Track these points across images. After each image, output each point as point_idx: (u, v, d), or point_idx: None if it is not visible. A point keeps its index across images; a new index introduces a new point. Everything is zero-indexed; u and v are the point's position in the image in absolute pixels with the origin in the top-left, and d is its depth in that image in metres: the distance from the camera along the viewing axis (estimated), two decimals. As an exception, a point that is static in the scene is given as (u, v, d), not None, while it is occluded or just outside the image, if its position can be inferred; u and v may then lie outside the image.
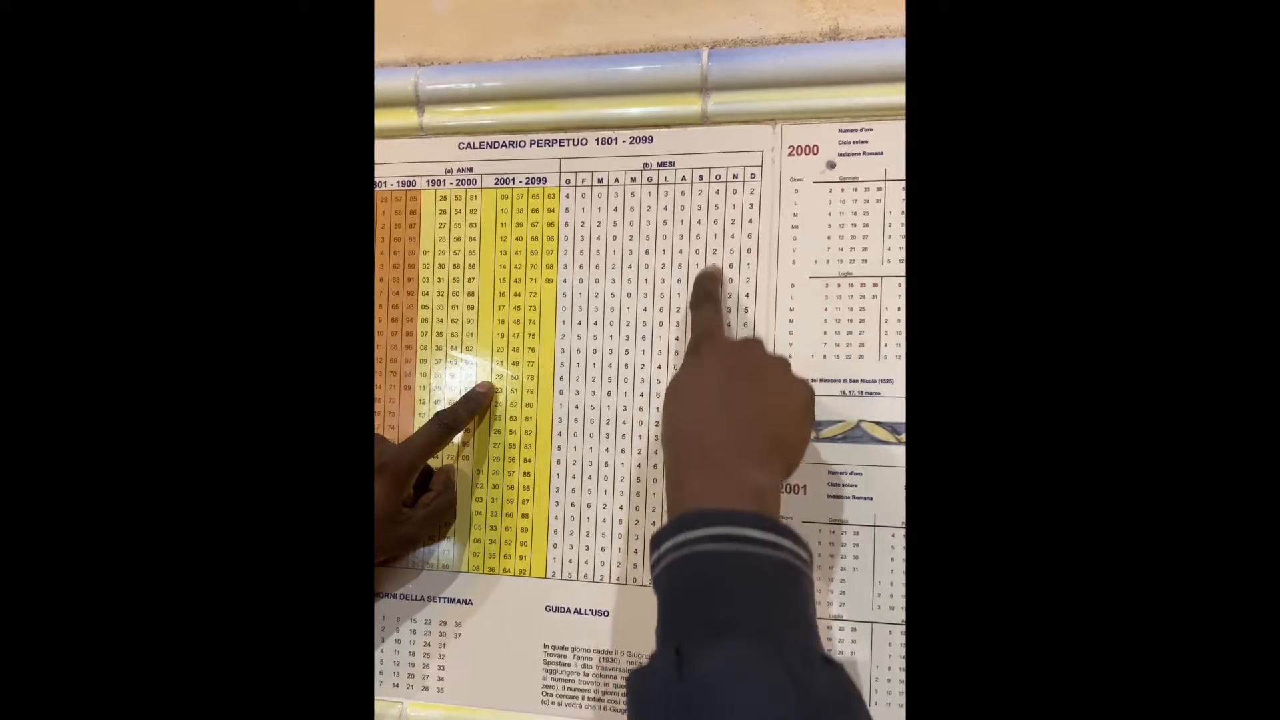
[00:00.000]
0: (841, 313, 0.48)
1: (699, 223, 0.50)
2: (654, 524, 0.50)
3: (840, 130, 0.48)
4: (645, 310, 0.50)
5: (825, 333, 0.48)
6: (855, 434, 0.47)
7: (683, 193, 0.50)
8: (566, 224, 0.51)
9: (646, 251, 0.50)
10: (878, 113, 0.47)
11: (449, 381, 0.53)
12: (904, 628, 0.46)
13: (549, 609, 0.51)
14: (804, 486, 0.48)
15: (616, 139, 0.51)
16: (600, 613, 0.50)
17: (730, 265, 0.49)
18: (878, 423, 0.47)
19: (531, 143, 0.52)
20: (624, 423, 0.50)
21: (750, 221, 0.49)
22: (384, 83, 0.52)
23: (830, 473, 0.48)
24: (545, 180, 0.52)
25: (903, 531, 0.47)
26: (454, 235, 0.53)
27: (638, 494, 0.50)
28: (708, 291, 0.47)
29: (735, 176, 0.49)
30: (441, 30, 0.53)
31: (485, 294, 0.52)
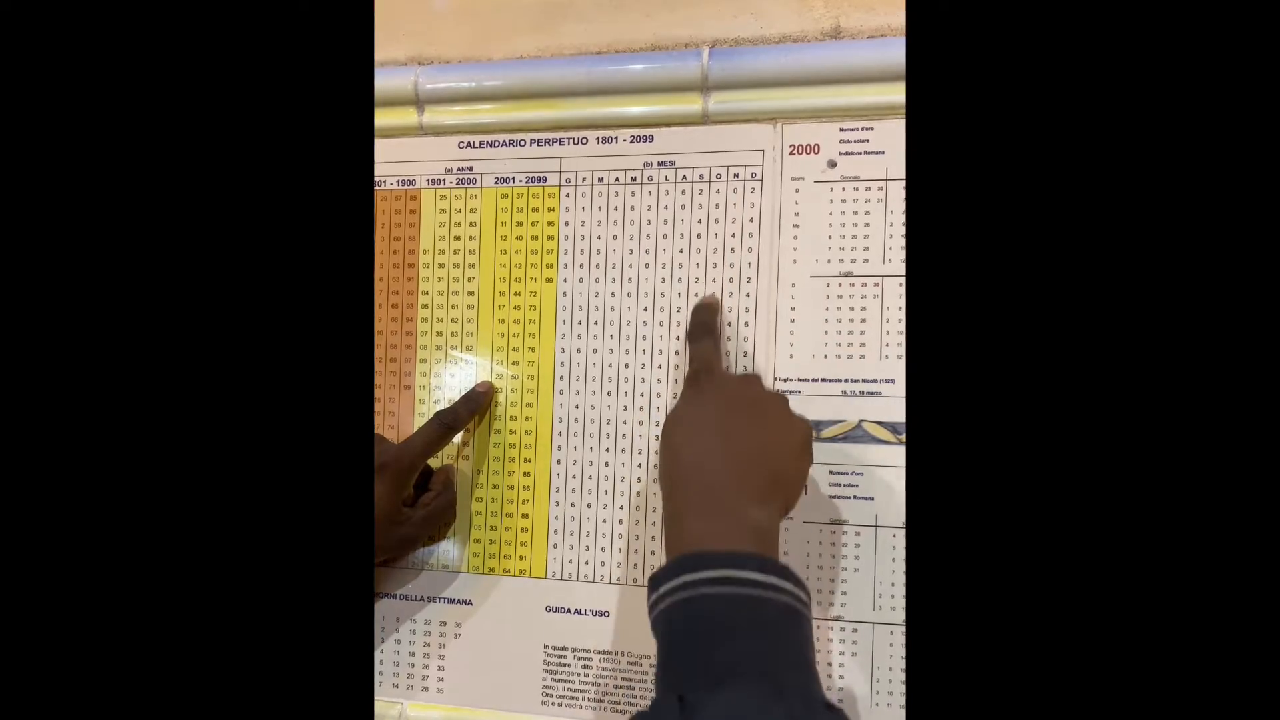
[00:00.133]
0: (843, 312, 0.48)
1: (699, 222, 0.50)
2: (654, 524, 0.49)
3: (841, 129, 0.48)
4: (646, 310, 0.50)
5: (826, 332, 0.48)
6: (856, 434, 0.47)
7: (683, 192, 0.50)
8: (567, 223, 0.51)
9: (647, 251, 0.50)
10: (879, 112, 0.47)
11: (449, 381, 0.53)
12: (905, 628, 0.46)
13: (549, 609, 0.51)
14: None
15: (617, 138, 0.51)
16: (600, 613, 0.50)
17: (731, 265, 0.49)
18: (879, 422, 0.47)
19: (532, 142, 0.52)
20: (624, 422, 0.50)
21: (751, 221, 0.49)
22: (384, 81, 0.52)
23: (831, 473, 0.47)
24: (545, 179, 0.52)
25: (904, 532, 0.47)
26: (454, 234, 0.53)
27: (638, 494, 0.50)
28: (705, 324, 0.46)
29: (736, 176, 0.49)
30: (441, 29, 0.53)
31: (485, 293, 0.52)
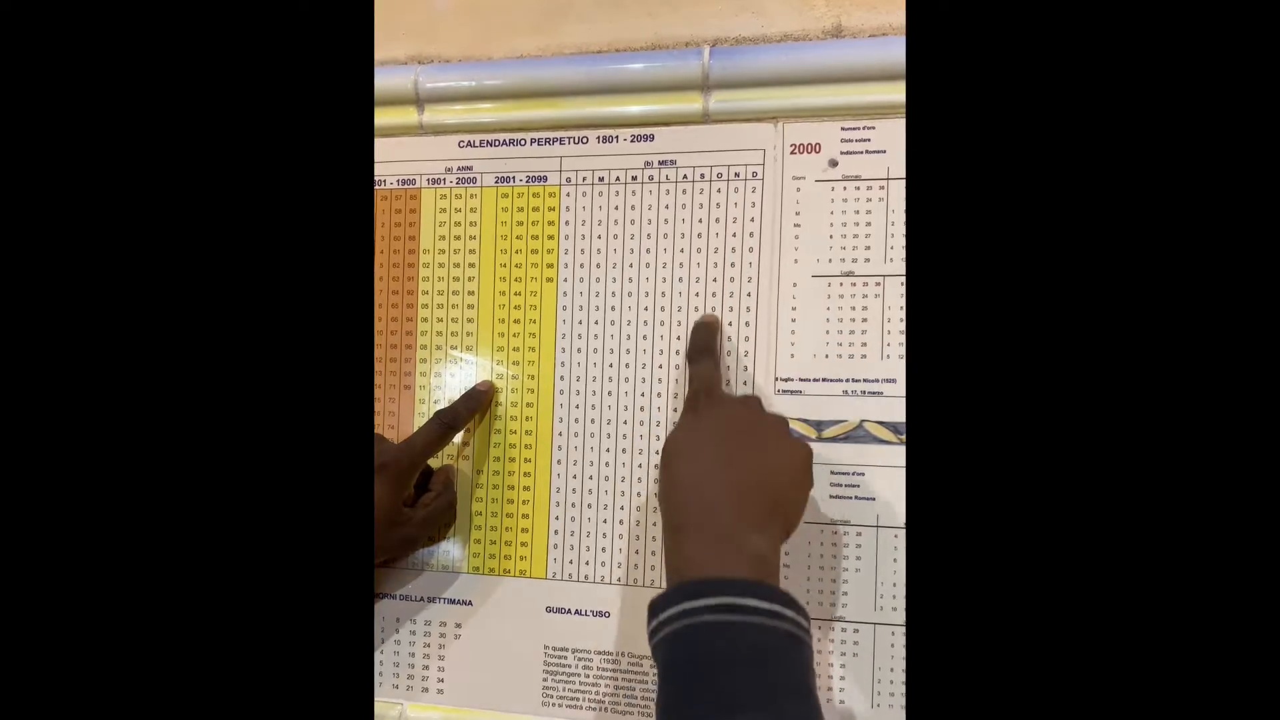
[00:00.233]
0: (844, 312, 0.48)
1: (700, 221, 0.49)
2: (654, 524, 0.49)
3: (842, 128, 0.48)
4: (646, 309, 0.50)
5: (827, 332, 0.48)
6: (858, 434, 0.47)
7: (684, 191, 0.50)
8: (567, 223, 0.51)
9: (648, 250, 0.50)
10: (880, 111, 0.47)
11: (449, 381, 0.53)
12: (905, 629, 0.46)
13: (549, 610, 0.51)
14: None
15: (617, 137, 0.51)
16: (601, 614, 0.50)
17: (732, 264, 0.49)
18: (880, 422, 0.47)
19: (532, 141, 0.52)
20: (625, 422, 0.50)
21: (752, 220, 0.49)
22: (384, 80, 0.52)
23: (832, 473, 0.47)
24: (546, 179, 0.52)
25: (905, 532, 0.46)
26: (454, 234, 0.53)
27: (639, 494, 0.50)
28: (705, 344, 0.46)
29: (737, 175, 0.49)
30: (442, 28, 0.53)
31: (485, 293, 0.52)
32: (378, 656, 0.53)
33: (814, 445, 0.47)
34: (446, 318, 0.53)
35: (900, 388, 0.47)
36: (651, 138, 0.50)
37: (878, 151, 0.47)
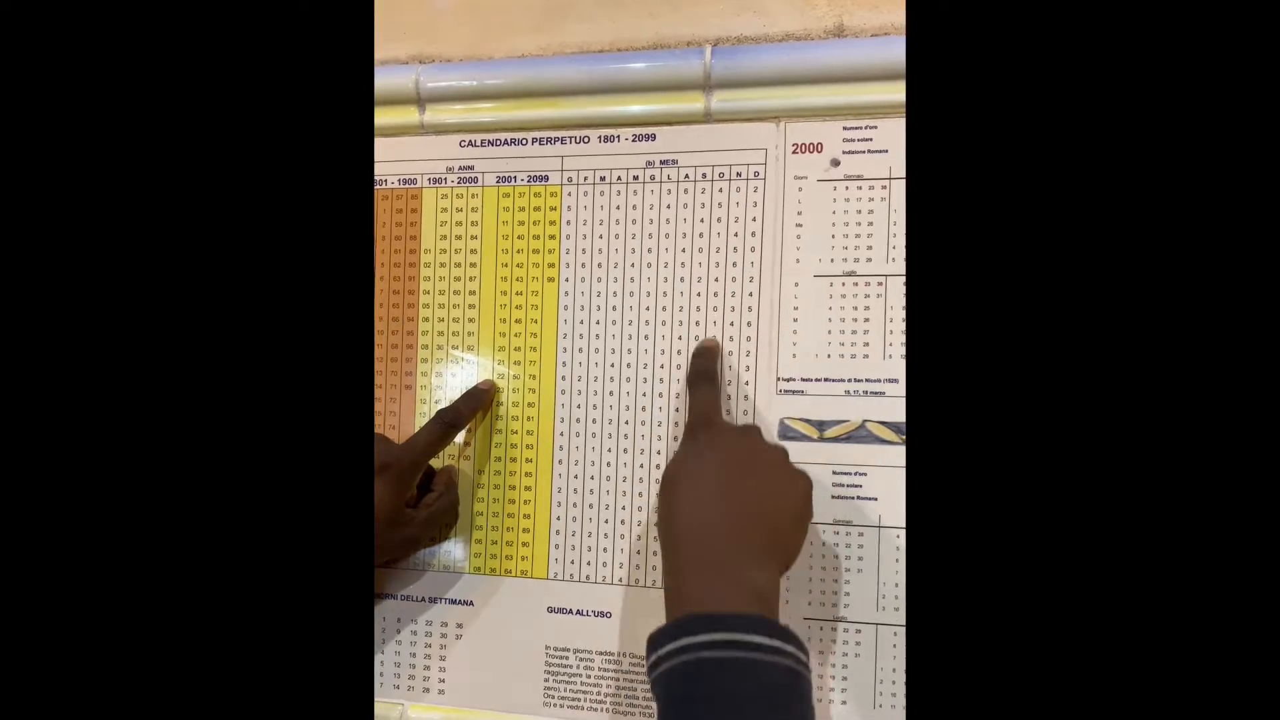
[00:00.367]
0: (846, 312, 0.47)
1: (702, 221, 0.49)
2: (656, 525, 0.49)
3: (844, 128, 0.48)
4: (648, 309, 0.50)
5: (829, 332, 0.48)
6: (860, 434, 0.47)
7: (685, 191, 0.50)
8: (569, 222, 0.51)
9: (649, 250, 0.50)
10: (882, 110, 0.47)
11: (450, 381, 0.53)
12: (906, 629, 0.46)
13: (551, 610, 0.51)
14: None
15: (619, 137, 0.51)
16: (602, 614, 0.50)
17: (733, 264, 0.49)
18: (882, 422, 0.47)
19: (533, 140, 0.52)
20: (626, 423, 0.50)
21: (754, 220, 0.49)
22: (385, 80, 0.52)
23: (835, 473, 0.47)
24: (547, 178, 0.51)
25: (905, 532, 0.46)
26: (455, 234, 0.53)
27: (640, 494, 0.50)
28: (705, 370, 0.46)
29: (739, 174, 0.49)
30: (443, 27, 0.53)
31: (487, 293, 0.52)
32: (379, 657, 0.53)
33: (815, 445, 0.48)
34: (448, 318, 0.53)
35: (902, 388, 0.47)
36: (653, 137, 0.50)
37: (880, 151, 0.47)
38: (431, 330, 0.53)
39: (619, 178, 0.50)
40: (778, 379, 0.48)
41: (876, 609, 0.47)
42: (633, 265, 0.50)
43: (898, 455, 0.47)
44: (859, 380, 0.47)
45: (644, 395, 0.50)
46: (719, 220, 0.49)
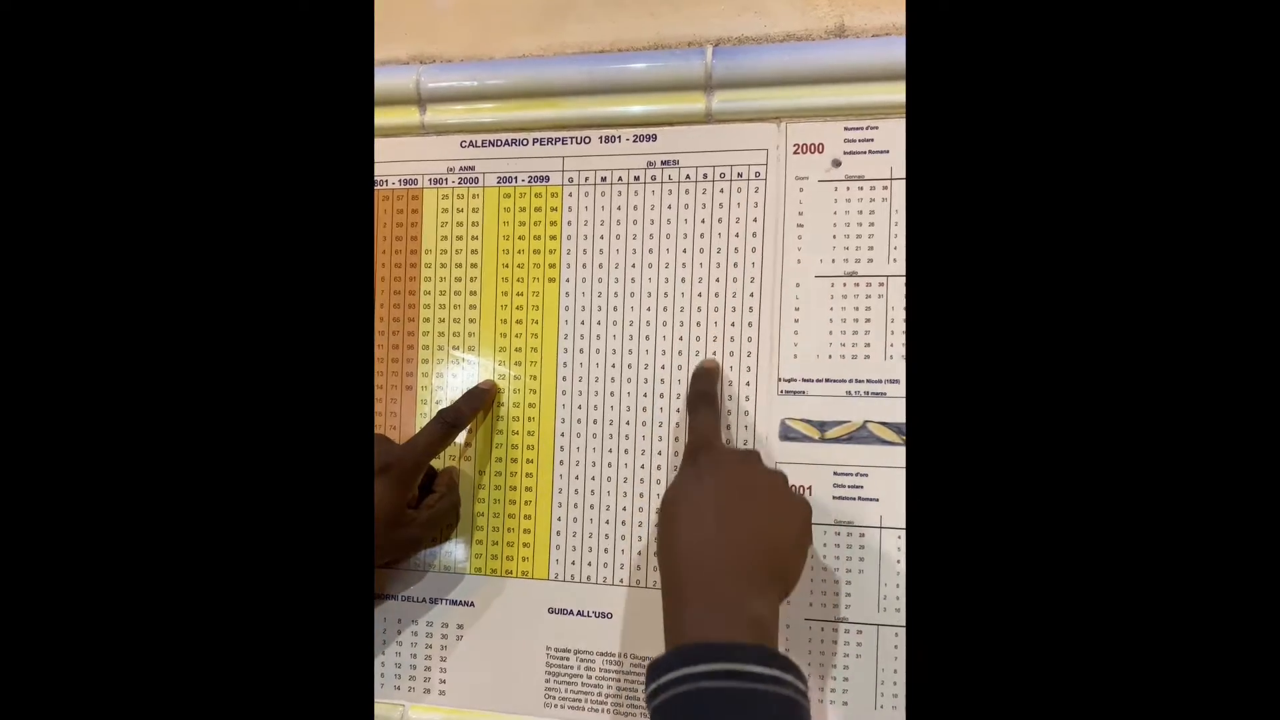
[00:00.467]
0: (847, 312, 0.47)
1: (703, 221, 0.49)
2: (657, 525, 0.49)
3: (846, 128, 0.48)
4: (649, 310, 0.50)
5: (831, 332, 0.48)
6: (861, 435, 0.47)
7: (687, 191, 0.50)
8: (569, 223, 0.51)
9: (650, 251, 0.50)
10: (883, 110, 0.47)
11: (451, 382, 0.53)
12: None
13: (552, 611, 0.51)
14: (809, 488, 0.47)
15: (620, 137, 0.50)
16: (603, 615, 0.50)
17: (735, 264, 0.49)
18: (884, 423, 0.47)
19: (534, 141, 0.52)
20: (627, 423, 0.50)
21: (755, 220, 0.49)
22: (386, 80, 0.52)
23: (836, 474, 0.47)
24: (548, 179, 0.51)
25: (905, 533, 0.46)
26: (456, 234, 0.53)
27: (641, 495, 0.50)
28: (704, 392, 0.46)
29: (740, 175, 0.49)
30: (443, 28, 0.53)
31: (487, 293, 0.52)
32: (380, 658, 0.53)
33: (816, 446, 0.48)
34: (449, 318, 0.53)
35: (904, 388, 0.47)
36: (654, 138, 0.50)
37: (881, 151, 0.47)
38: (432, 331, 0.53)
39: (620, 178, 0.50)
40: (779, 379, 0.48)
41: (878, 610, 0.47)
42: (634, 266, 0.50)
43: (899, 456, 0.47)
44: (860, 381, 0.47)
45: (645, 396, 0.50)
46: (720, 221, 0.49)
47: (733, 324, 0.49)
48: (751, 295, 0.49)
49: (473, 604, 0.52)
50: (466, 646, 0.52)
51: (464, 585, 0.52)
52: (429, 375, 0.53)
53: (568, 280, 0.51)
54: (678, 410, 0.49)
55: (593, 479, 0.50)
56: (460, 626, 0.52)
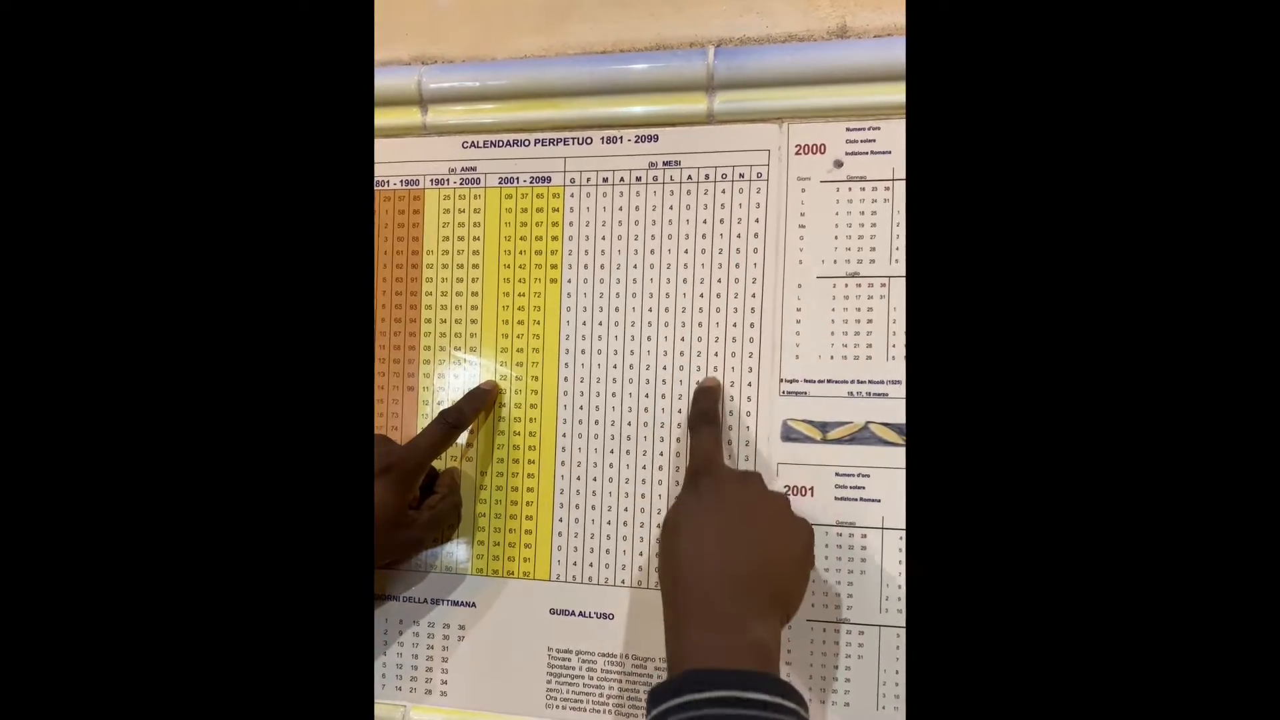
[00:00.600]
0: (849, 313, 0.47)
1: (705, 222, 0.49)
2: (658, 526, 0.49)
3: (848, 129, 0.48)
4: (650, 310, 0.50)
5: (833, 333, 0.48)
6: (863, 435, 0.47)
7: (689, 192, 0.50)
8: (571, 223, 0.51)
9: (652, 251, 0.50)
10: (885, 111, 0.47)
11: (452, 383, 0.53)
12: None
13: (553, 612, 0.50)
14: (811, 488, 0.47)
15: (622, 138, 0.50)
16: (605, 616, 0.50)
17: (736, 265, 0.49)
18: (885, 424, 0.47)
19: (536, 142, 0.51)
20: (629, 424, 0.50)
21: (757, 221, 0.49)
22: (387, 81, 0.52)
23: (838, 474, 0.47)
24: (550, 179, 0.51)
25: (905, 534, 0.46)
26: (458, 235, 0.53)
27: (643, 495, 0.50)
28: (706, 412, 0.46)
29: (742, 175, 0.49)
30: (445, 28, 0.53)
31: (489, 294, 0.52)
32: (381, 659, 0.53)
33: (818, 446, 0.47)
34: (450, 319, 0.53)
35: (905, 389, 0.47)
36: (656, 138, 0.50)
37: (883, 152, 0.47)
38: (434, 332, 0.53)
39: (622, 179, 0.50)
40: (780, 380, 0.48)
41: (879, 611, 0.47)
42: (635, 266, 0.50)
43: (900, 457, 0.47)
44: (862, 382, 0.47)
45: (646, 396, 0.50)
46: (722, 221, 0.49)
47: (734, 325, 0.49)
48: (753, 296, 0.49)
49: (474, 605, 0.52)
50: (468, 647, 0.52)
51: (465, 586, 0.52)
52: (430, 376, 0.53)
53: (569, 281, 0.51)
54: (679, 411, 0.49)
55: (594, 479, 0.50)
56: (462, 627, 0.52)
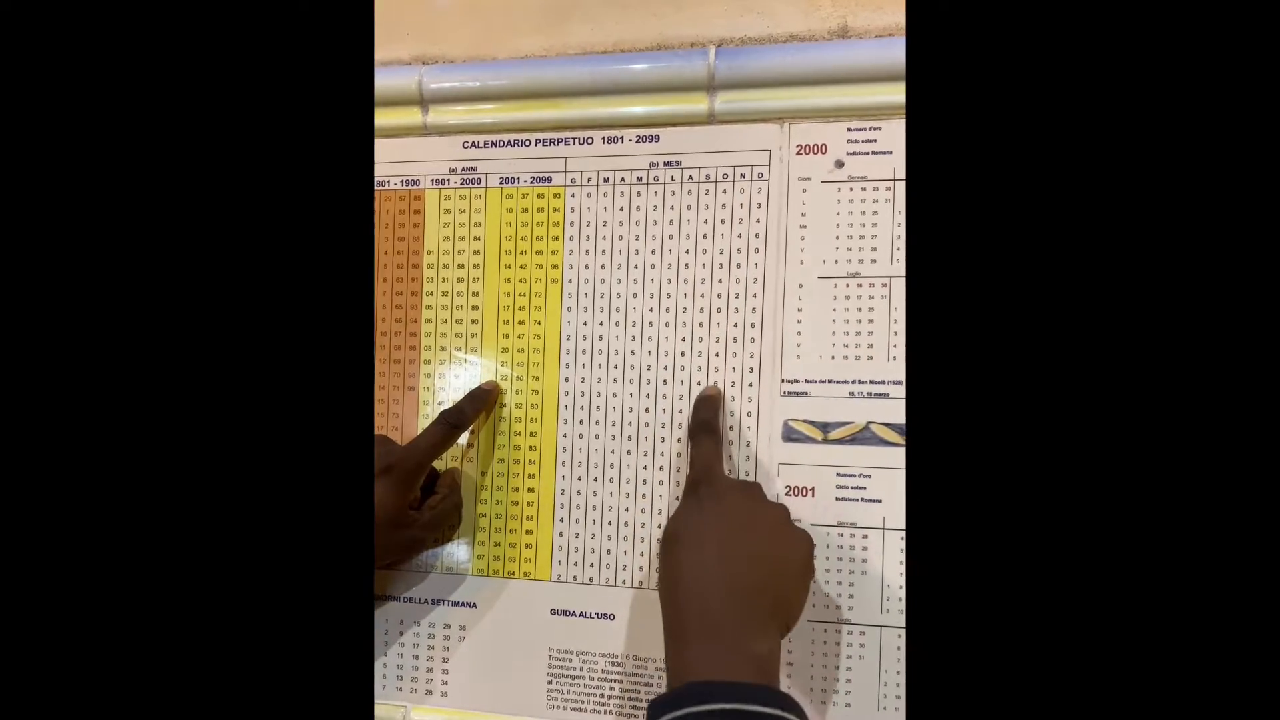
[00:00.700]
0: (850, 313, 0.47)
1: (706, 222, 0.49)
2: (659, 526, 0.49)
3: (849, 129, 0.48)
4: (651, 310, 0.50)
5: (834, 333, 0.48)
6: (864, 436, 0.47)
7: (689, 192, 0.50)
8: (572, 223, 0.51)
9: (653, 251, 0.50)
10: (886, 111, 0.47)
11: (453, 383, 0.53)
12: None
13: (554, 612, 0.50)
14: (812, 489, 0.47)
15: (622, 138, 0.50)
16: (605, 616, 0.50)
17: (737, 265, 0.49)
18: (886, 424, 0.47)
19: (537, 142, 0.51)
20: (629, 424, 0.50)
21: (758, 221, 0.49)
22: (388, 81, 0.52)
23: (839, 475, 0.47)
24: (551, 179, 0.51)
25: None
26: (458, 235, 0.52)
27: (643, 495, 0.50)
28: (706, 422, 0.46)
29: (743, 176, 0.49)
30: (446, 28, 0.53)
31: (490, 294, 0.52)
32: (382, 659, 0.53)
33: (819, 447, 0.47)
34: (451, 319, 0.53)
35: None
36: (657, 138, 0.50)
37: (884, 152, 0.47)
38: (435, 332, 0.53)
39: (623, 179, 0.50)
40: (781, 380, 0.48)
41: (881, 611, 0.46)
42: (636, 266, 0.50)
43: (901, 457, 0.47)
44: (863, 382, 0.47)
45: (647, 396, 0.50)
46: (723, 221, 0.49)
47: (735, 325, 0.49)
48: (754, 296, 0.49)
49: (475, 605, 0.52)
50: (468, 648, 0.52)
51: (466, 586, 0.52)
52: (431, 376, 0.53)
53: (570, 281, 0.51)
54: (680, 411, 0.49)
55: (595, 480, 0.50)
56: (462, 628, 0.52)
